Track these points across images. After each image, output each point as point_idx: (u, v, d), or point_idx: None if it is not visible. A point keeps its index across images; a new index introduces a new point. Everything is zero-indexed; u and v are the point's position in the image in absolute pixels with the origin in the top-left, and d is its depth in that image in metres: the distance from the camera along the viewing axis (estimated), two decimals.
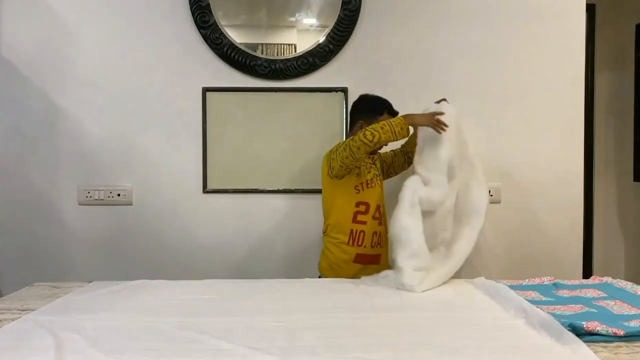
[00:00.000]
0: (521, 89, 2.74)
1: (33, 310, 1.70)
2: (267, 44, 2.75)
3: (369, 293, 1.92)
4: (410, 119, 2.18)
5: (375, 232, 2.30)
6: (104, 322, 1.57)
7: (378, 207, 2.33)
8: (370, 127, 2.16)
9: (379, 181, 2.37)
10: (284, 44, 2.76)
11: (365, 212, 2.28)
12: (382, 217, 2.35)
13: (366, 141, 2.11)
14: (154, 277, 2.20)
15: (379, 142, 2.14)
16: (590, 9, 2.84)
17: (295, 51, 2.72)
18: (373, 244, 2.30)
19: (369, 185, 2.31)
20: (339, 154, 2.19)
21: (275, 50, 2.75)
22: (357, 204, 2.28)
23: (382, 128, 2.13)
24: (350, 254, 2.28)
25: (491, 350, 1.36)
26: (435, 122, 2.17)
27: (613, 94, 3.63)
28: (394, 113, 2.31)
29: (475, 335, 1.47)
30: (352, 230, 2.27)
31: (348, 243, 2.28)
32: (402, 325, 1.57)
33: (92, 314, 1.63)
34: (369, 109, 2.35)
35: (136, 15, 2.69)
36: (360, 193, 2.29)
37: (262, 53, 2.71)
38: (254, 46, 2.72)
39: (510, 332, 1.50)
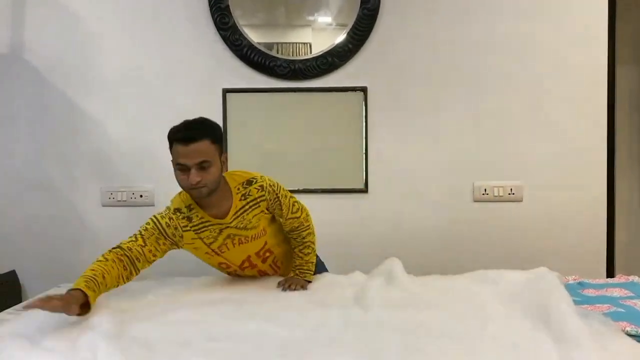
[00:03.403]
0: (542, 83, 2.71)
1: None
2: (282, 43, 2.75)
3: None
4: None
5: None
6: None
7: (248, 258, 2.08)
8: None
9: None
10: (299, 43, 2.76)
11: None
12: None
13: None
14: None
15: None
16: (611, 1, 2.82)
17: (311, 50, 2.72)
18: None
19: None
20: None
21: (291, 50, 2.74)
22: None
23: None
24: None
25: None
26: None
27: (635, 88, 3.58)
28: (179, 139, 1.95)
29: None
30: None
31: None
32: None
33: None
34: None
35: (158, 19, 2.71)
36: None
37: (277, 52, 2.71)
38: (270, 45, 2.72)
39: None
